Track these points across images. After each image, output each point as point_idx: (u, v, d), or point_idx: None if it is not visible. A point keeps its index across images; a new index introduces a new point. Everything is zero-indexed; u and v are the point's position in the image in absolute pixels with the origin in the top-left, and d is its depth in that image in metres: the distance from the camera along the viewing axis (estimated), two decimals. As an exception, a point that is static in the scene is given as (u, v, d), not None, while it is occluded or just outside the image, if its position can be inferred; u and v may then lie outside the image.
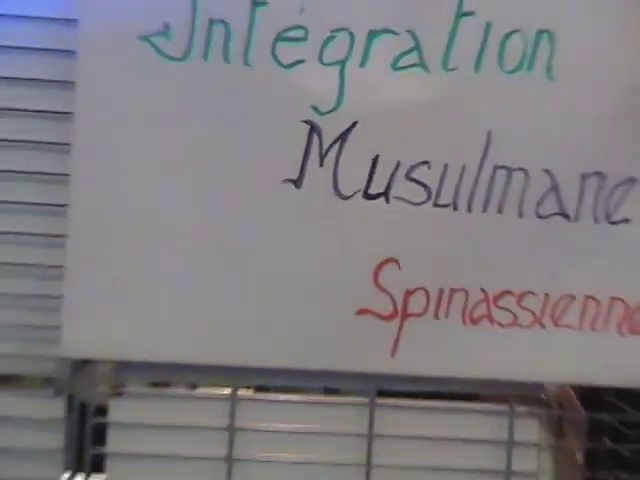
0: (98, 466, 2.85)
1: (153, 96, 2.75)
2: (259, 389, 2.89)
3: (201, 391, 2.94)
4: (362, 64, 2.76)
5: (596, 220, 2.87)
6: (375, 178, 2.77)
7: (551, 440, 3.01)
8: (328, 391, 2.98)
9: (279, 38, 2.76)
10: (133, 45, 2.71)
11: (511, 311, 2.82)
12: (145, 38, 2.71)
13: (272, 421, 2.90)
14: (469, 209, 2.79)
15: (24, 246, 2.81)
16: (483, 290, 2.80)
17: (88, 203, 2.68)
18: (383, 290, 2.79)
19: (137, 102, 2.73)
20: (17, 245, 2.81)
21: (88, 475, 2.78)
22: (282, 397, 2.93)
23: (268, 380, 2.90)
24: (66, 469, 2.83)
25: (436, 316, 2.82)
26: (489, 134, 2.78)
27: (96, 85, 2.69)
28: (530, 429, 2.94)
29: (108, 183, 2.75)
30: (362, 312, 2.80)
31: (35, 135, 2.72)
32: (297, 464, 2.88)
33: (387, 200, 2.77)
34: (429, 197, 2.78)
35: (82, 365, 2.82)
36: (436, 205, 2.78)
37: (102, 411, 2.85)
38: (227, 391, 2.87)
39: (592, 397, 3.04)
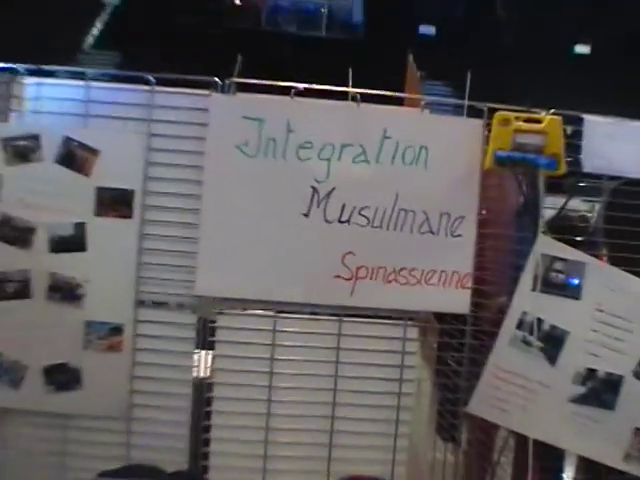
0: (211, 347, 3.89)
1: (240, 173, 3.82)
2: (279, 312, 3.91)
3: (258, 312, 3.95)
4: (338, 159, 3.85)
5: (446, 235, 3.91)
6: (343, 213, 3.86)
7: (422, 337, 4.02)
8: (316, 313, 3.95)
9: (300, 147, 3.84)
10: (231, 149, 3.81)
11: (406, 277, 3.91)
12: (237, 146, 3.83)
13: (292, 327, 3.91)
14: (387, 228, 3.87)
15: (180, 243, 3.86)
16: (393, 266, 3.90)
17: (210, 221, 3.78)
18: (346, 266, 3.87)
19: (232, 175, 3.81)
20: (175, 242, 3.86)
21: (207, 350, 3.91)
22: (296, 316, 3.94)
23: (290, 308, 3.90)
24: (196, 348, 3.90)
25: (371, 279, 3.89)
26: (397, 194, 3.87)
27: (214, 168, 3.79)
28: (413, 332, 3.98)
29: (218, 210, 3.79)
30: (336, 277, 3.87)
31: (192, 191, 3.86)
32: (305, 347, 3.92)
33: (349, 224, 3.86)
34: (369, 223, 3.87)
35: (205, 298, 3.88)
36: (372, 227, 3.87)
37: (213, 321, 3.89)
38: (271, 313, 3.90)
39: (441, 316, 4.00)
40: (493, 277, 4.01)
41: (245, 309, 3.95)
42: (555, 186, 3.91)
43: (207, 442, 3.92)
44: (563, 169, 3.77)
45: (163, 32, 15.60)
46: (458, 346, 4.00)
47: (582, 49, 20.67)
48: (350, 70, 3.86)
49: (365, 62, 7.15)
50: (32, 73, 3.94)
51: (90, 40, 17.74)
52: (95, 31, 17.88)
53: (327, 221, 3.81)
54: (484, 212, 3.95)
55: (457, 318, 3.99)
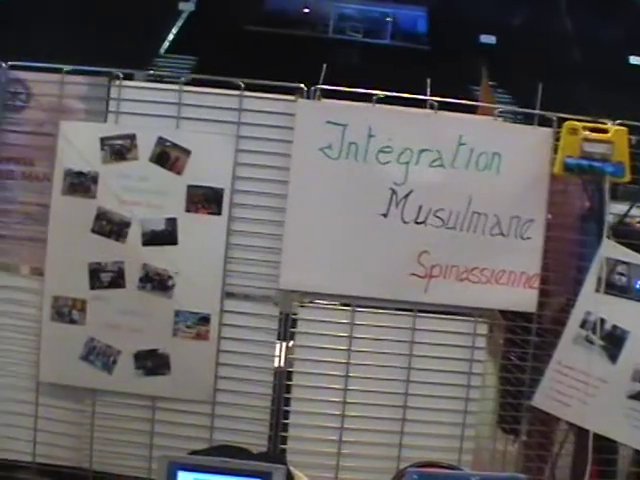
0: (292, 338, 3.95)
1: (323, 175, 3.86)
2: (357, 306, 3.92)
3: (337, 306, 4.00)
4: (416, 164, 3.87)
5: (515, 237, 3.91)
6: (420, 215, 3.87)
7: (490, 333, 4.02)
8: (391, 308, 3.98)
9: (379, 151, 3.86)
10: (315, 152, 3.84)
11: (477, 276, 3.92)
12: (320, 149, 3.85)
13: (368, 321, 3.93)
14: (461, 229, 3.88)
15: (265, 239, 3.91)
16: (465, 266, 3.91)
17: (294, 219, 3.82)
18: (422, 265, 3.89)
19: (316, 177, 3.85)
20: (260, 238, 3.91)
21: (288, 341, 3.92)
22: (372, 310, 3.96)
23: (367, 303, 3.94)
24: (278, 338, 3.92)
25: (445, 277, 3.90)
26: (470, 197, 3.88)
27: (299, 169, 3.83)
28: (483, 328, 4.00)
29: (301, 209, 3.84)
30: (412, 274, 3.90)
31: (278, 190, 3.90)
32: (380, 340, 3.93)
33: (425, 225, 3.87)
34: (443, 224, 3.88)
35: (287, 292, 3.91)
36: (446, 228, 3.88)
37: (294, 314, 3.94)
38: (349, 307, 3.93)
39: (505, 313, 4.03)
40: (555, 278, 4.00)
41: (325, 303, 3.98)
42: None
43: (286, 427, 3.94)
44: (628, 176, 3.78)
45: (233, 38, 15.78)
46: (521, 342, 4.01)
47: (637, 60, 20.54)
48: (428, 80, 3.89)
49: (428, 69, 7.18)
50: (127, 77, 4.00)
51: (166, 45, 18.01)
52: (171, 36, 18.17)
53: (404, 221, 3.82)
54: (549, 216, 3.95)
55: (520, 315, 3.99)
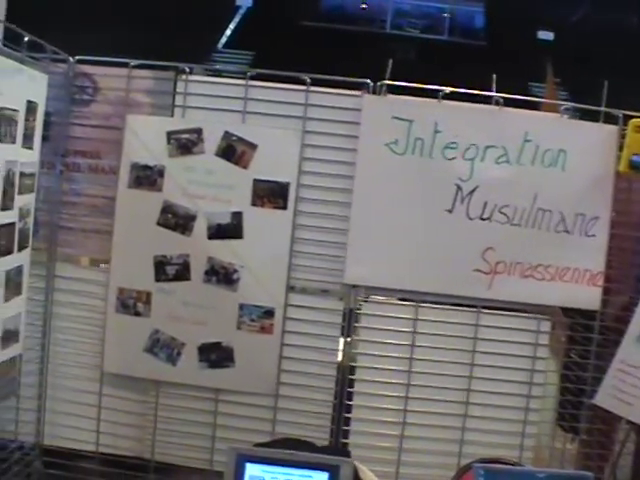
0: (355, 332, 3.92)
1: (389, 170, 3.84)
2: (420, 301, 3.91)
3: (400, 301, 3.97)
4: (482, 160, 3.84)
5: (580, 234, 3.88)
6: (485, 211, 3.85)
7: (552, 329, 3.97)
8: (454, 304, 3.94)
9: (445, 147, 3.84)
10: (381, 147, 3.83)
11: (542, 273, 3.89)
12: (386, 144, 3.84)
13: (431, 316, 3.92)
14: (525, 226, 3.84)
15: (330, 234, 3.91)
16: (529, 263, 3.87)
17: (360, 214, 3.82)
18: (486, 261, 3.87)
19: (382, 172, 3.84)
20: (325, 233, 3.91)
21: (347, 335, 3.90)
22: (436, 306, 3.92)
23: (431, 298, 3.91)
24: (341, 333, 3.93)
25: (509, 274, 3.87)
26: (536, 194, 3.84)
27: (365, 164, 3.82)
28: (545, 325, 3.95)
29: (367, 204, 3.83)
30: (475, 270, 3.87)
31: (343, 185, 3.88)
32: (443, 336, 3.91)
33: (490, 221, 3.84)
34: (508, 220, 3.85)
35: (352, 286, 3.89)
36: (511, 224, 3.85)
37: (358, 308, 3.91)
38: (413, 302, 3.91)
39: (567, 311, 4.01)
40: (619, 276, 3.95)
41: (388, 298, 3.96)
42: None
43: (348, 421, 3.92)
44: (694, 175, 3.74)
45: (290, 34, 15.88)
46: (583, 340, 3.97)
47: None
48: (494, 76, 3.85)
49: (486, 65, 7.13)
50: (193, 71, 3.98)
51: (224, 40, 18.22)
52: (228, 32, 18.37)
53: (469, 217, 3.80)
54: (614, 214, 3.90)
55: (582, 313, 3.95)
